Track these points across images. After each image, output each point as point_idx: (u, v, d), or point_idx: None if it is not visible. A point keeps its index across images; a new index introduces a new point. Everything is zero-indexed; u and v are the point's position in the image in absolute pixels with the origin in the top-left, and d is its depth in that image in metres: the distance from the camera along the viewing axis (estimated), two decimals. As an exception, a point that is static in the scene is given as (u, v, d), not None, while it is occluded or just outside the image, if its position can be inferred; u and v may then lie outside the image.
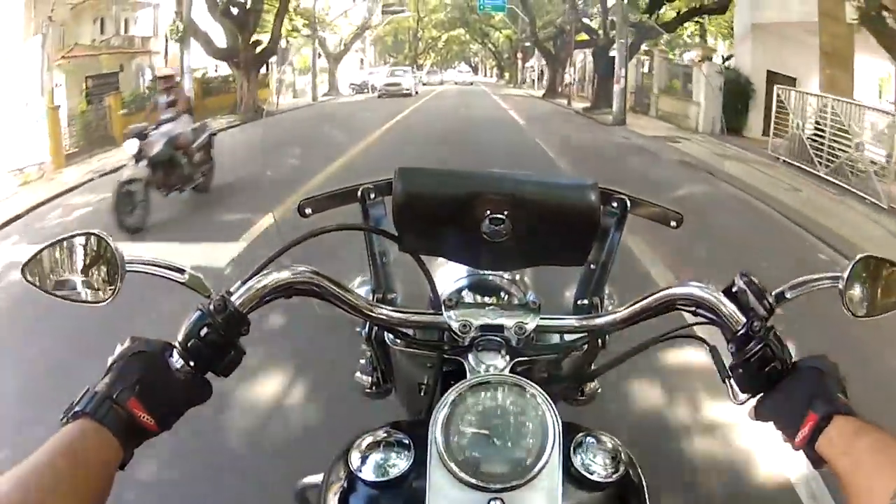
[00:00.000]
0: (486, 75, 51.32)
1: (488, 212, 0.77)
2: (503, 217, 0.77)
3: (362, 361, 1.29)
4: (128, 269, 0.70)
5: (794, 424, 0.68)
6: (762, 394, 0.73)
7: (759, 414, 0.73)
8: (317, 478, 0.84)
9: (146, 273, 0.73)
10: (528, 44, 28.41)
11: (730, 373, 0.74)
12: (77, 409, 0.62)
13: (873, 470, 0.59)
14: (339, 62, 25.70)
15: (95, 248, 0.72)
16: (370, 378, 1.27)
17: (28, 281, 0.71)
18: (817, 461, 0.67)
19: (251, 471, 2.24)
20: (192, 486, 2.20)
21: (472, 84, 39.66)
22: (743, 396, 0.74)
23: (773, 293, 0.76)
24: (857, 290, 0.78)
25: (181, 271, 0.73)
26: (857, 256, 0.78)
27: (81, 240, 0.72)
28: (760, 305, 0.74)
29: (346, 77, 27.31)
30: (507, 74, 39.92)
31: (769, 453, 2.27)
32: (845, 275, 0.76)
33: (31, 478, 0.55)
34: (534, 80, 32.44)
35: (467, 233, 0.79)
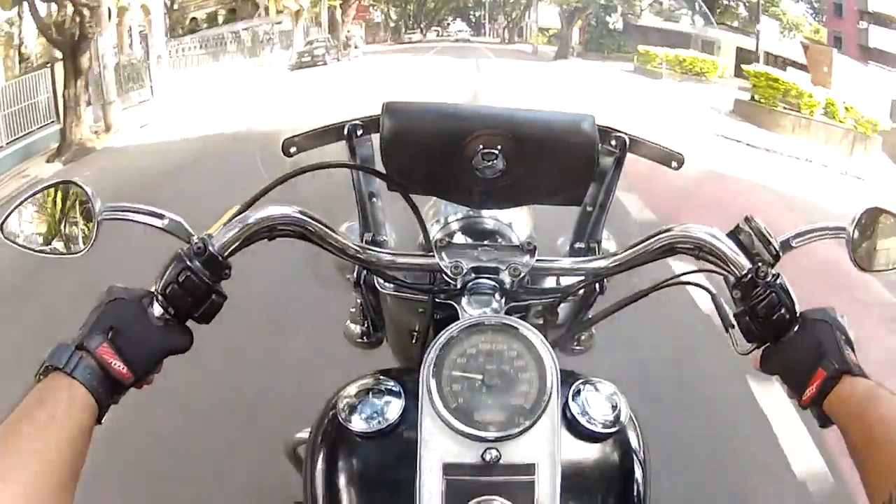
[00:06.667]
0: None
1: (481, 146, 0.74)
2: (496, 152, 0.74)
3: (352, 310, 1.26)
4: (104, 216, 0.68)
5: (802, 380, 0.66)
6: (767, 344, 0.70)
7: (765, 366, 0.71)
8: (307, 433, 0.82)
9: (123, 220, 0.70)
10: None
11: (733, 321, 0.71)
12: (47, 363, 0.59)
13: (887, 442, 0.57)
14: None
15: (71, 198, 0.70)
16: (361, 327, 1.24)
17: (6, 239, 0.69)
18: (824, 420, 0.65)
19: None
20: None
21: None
22: (747, 346, 0.71)
23: (779, 240, 0.74)
24: (864, 243, 0.76)
25: (160, 216, 0.70)
26: (864, 208, 0.76)
27: (57, 190, 0.70)
28: (766, 251, 0.72)
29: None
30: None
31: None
32: (852, 226, 0.74)
33: (1, 442, 0.53)
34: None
35: (459, 170, 0.75)
